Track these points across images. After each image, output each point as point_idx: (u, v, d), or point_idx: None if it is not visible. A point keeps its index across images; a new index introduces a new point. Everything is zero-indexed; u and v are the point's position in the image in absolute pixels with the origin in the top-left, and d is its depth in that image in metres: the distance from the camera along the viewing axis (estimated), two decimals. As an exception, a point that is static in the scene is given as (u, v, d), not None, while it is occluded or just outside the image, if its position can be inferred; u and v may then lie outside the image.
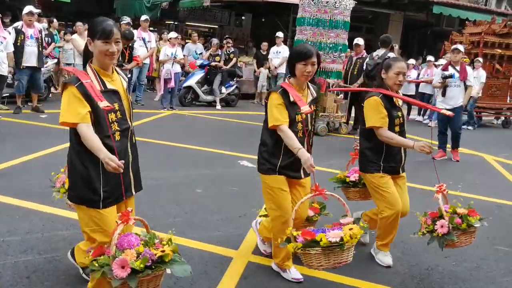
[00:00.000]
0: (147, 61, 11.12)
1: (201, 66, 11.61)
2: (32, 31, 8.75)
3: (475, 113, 12.15)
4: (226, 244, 3.92)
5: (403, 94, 12.61)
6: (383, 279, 3.56)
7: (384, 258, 3.79)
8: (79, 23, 10.98)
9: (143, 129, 8.12)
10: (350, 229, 2.81)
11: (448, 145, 8.07)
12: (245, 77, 13.25)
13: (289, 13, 13.91)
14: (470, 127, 11.82)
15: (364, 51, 9.56)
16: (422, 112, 12.82)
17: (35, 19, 8.94)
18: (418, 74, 12.79)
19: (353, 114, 9.87)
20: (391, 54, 8.29)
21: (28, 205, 4.40)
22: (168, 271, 2.34)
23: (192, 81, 11.37)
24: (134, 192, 2.83)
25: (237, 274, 3.45)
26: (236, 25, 18.64)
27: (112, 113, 2.59)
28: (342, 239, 2.75)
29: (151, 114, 9.78)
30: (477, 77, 11.49)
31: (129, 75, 8.83)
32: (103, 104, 2.51)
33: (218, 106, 11.65)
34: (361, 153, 3.85)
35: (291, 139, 3.15)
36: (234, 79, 12.22)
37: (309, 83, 3.44)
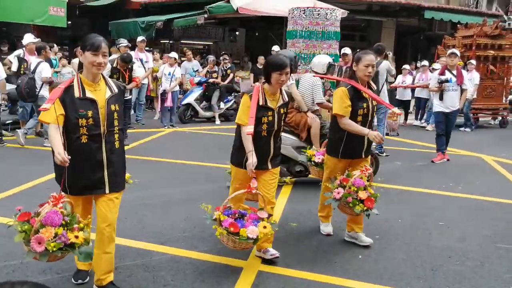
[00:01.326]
0: (146, 81, 11.26)
1: (199, 83, 11.77)
2: (34, 58, 8.89)
3: (471, 114, 12.28)
4: (235, 255, 4.01)
5: (400, 100, 12.69)
6: (389, 281, 3.66)
7: (326, 228, 4.56)
8: (79, 48, 11.17)
9: (145, 148, 8.25)
10: (264, 227, 3.38)
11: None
12: (242, 91, 13.39)
13: (281, 26, 14.13)
14: (467, 129, 11.94)
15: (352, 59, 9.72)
16: (419, 117, 12.95)
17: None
18: (413, 79, 12.93)
19: None
20: (385, 62, 8.44)
21: (40, 228, 4.50)
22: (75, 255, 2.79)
23: (191, 98, 11.52)
24: (108, 191, 3.15)
25: (248, 283, 3.56)
26: (230, 40, 18.85)
27: (83, 119, 2.98)
28: (257, 237, 3.32)
29: (152, 133, 9.91)
30: (471, 79, 11.65)
31: (130, 96, 8.96)
32: (44, 106, 2.86)
33: (218, 121, 11.80)
34: (328, 139, 4.48)
35: (246, 140, 3.58)
36: (232, 94, 12.39)
37: (282, 89, 3.82)
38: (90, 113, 2.99)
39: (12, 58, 8.75)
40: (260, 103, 3.66)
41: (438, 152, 8.09)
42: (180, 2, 15.80)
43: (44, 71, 8.08)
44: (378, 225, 4.81)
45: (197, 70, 12.74)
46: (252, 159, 3.53)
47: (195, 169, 7.15)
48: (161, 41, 17.30)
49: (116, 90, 3.17)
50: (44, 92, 8.13)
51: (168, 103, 10.54)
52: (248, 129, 3.51)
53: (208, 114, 11.87)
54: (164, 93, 10.55)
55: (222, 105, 12.05)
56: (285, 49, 9.14)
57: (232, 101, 12.36)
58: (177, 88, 11.15)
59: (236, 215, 3.52)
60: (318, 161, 4.82)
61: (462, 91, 7.90)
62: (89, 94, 3.02)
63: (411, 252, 4.21)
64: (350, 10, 14.54)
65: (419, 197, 6.00)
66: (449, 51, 8.18)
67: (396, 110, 4.39)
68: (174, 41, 17.43)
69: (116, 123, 3.12)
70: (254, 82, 13.01)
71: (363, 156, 4.24)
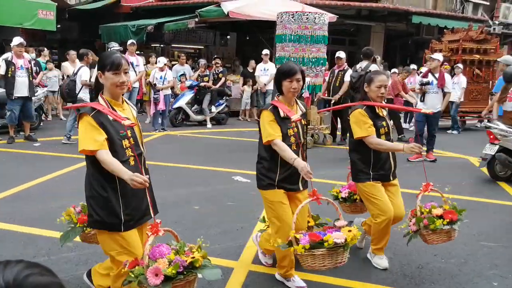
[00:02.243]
0: (136, 84, 11.26)
1: (191, 87, 11.84)
2: (22, 61, 8.89)
3: (458, 117, 12.46)
4: (226, 256, 4.10)
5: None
6: (377, 279, 3.76)
7: (380, 261, 3.99)
8: (72, 52, 11.18)
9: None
10: (349, 231, 2.98)
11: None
12: (234, 95, 13.51)
13: (272, 30, 14.20)
14: (454, 132, 12.12)
15: (346, 63, 9.86)
16: (408, 120, 13.10)
17: (24, 49, 9.08)
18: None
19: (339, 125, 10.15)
20: (373, 66, 8.56)
21: (31, 231, 4.55)
22: (200, 275, 2.51)
23: (182, 102, 11.58)
24: (152, 215, 2.88)
25: (239, 283, 3.64)
26: (221, 44, 18.92)
27: (126, 139, 2.76)
28: (346, 240, 2.93)
29: (143, 136, 9.93)
30: (458, 83, 11.84)
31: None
32: (127, 122, 2.68)
33: (209, 125, 11.87)
34: (352, 164, 4.05)
35: (286, 151, 3.28)
36: (224, 98, 12.48)
37: (297, 99, 3.63)
38: (129, 132, 2.80)
39: (0, 61, 8.75)
40: (282, 114, 3.43)
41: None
42: (170, 6, 15.84)
43: (83, 74, 8.70)
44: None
45: (183, 74, 12.78)
46: (304, 162, 3.19)
47: (186, 172, 7.21)
48: (152, 45, 17.31)
49: (135, 109, 3.07)
50: (83, 94, 8.73)
51: (161, 106, 10.61)
52: (294, 117, 3.36)
53: (199, 117, 11.95)
54: (157, 97, 10.61)
55: (213, 108, 12.13)
56: (275, 53, 9.20)
57: (224, 105, 12.46)
58: (169, 91, 11.22)
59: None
60: (345, 196, 4.35)
61: (445, 94, 8.14)
62: (121, 114, 2.80)
63: (398, 251, 4.32)
64: (339, 15, 14.72)
65: (407, 198, 6.06)
66: (430, 56, 8.54)
67: (426, 110, 4.48)
68: (165, 44, 17.46)
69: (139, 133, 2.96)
70: (243, 85, 13.14)
71: (391, 179, 4.00)
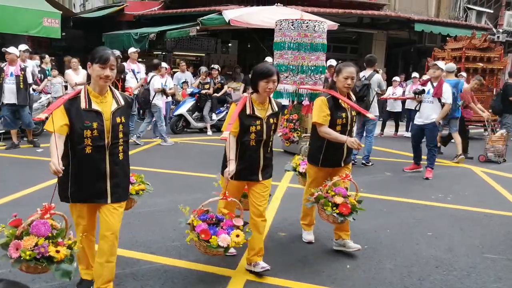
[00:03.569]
0: (137, 92, 11.28)
1: (191, 94, 11.83)
2: (13, 69, 8.83)
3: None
4: (224, 264, 4.04)
5: (390, 112, 12.71)
6: (377, 291, 3.69)
7: (307, 236, 4.64)
8: (74, 59, 11.21)
9: (136, 158, 8.24)
10: (237, 235, 3.34)
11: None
12: (231, 101, 13.51)
13: (273, 38, 14.19)
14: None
15: None
16: (410, 129, 13.02)
17: (17, 57, 9.02)
18: (404, 91, 13.05)
19: None
20: (377, 76, 8.50)
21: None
22: (51, 269, 2.69)
23: (183, 109, 11.57)
24: (110, 201, 3.18)
25: (236, 293, 3.58)
26: (222, 52, 18.96)
27: (88, 130, 3.01)
28: (228, 245, 3.29)
29: (144, 143, 9.92)
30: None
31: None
32: (40, 115, 2.89)
33: (209, 132, 11.84)
34: (309, 146, 4.51)
35: (229, 149, 3.63)
36: (224, 105, 12.46)
37: (271, 98, 3.87)
38: (95, 124, 3.02)
39: None
40: (248, 112, 3.70)
41: (413, 162, 8.17)
42: (173, 15, 15.90)
43: (155, 83, 9.85)
44: (366, 235, 4.85)
45: (185, 82, 12.80)
46: (229, 167, 3.54)
47: (186, 179, 7.17)
48: (154, 53, 17.36)
49: (123, 103, 3.18)
50: (156, 101, 9.90)
51: (163, 112, 10.59)
52: (223, 134, 3.53)
53: (200, 125, 11.92)
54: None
55: (214, 116, 12.11)
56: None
57: (224, 112, 12.42)
58: (170, 99, 11.20)
59: (213, 220, 3.47)
60: (302, 171, 4.81)
61: (443, 105, 7.65)
62: (95, 106, 3.05)
63: (399, 262, 4.25)
64: (341, 22, 14.72)
65: (408, 208, 6.05)
66: (432, 62, 8.20)
67: (370, 115, 4.44)
68: (167, 52, 17.51)
69: (121, 135, 3.14)
70: (243, 92, 13.13)
71: (342, 164, 4.31)
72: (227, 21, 12.88)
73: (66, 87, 11.88)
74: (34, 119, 2.94)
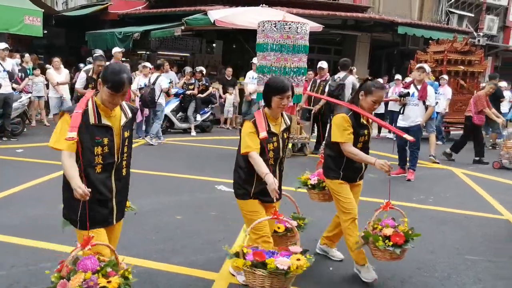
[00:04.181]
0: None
1: (176, 95, 11.78)
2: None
3: (443, 128, 12.56)
4: (207, 267, 4.03)
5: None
6: (360, 293, 3.72)
7: (336, 253, 4.34)
8: (56, 58, 11.07)
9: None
10: (298, 259, 2.91)
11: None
12: (219, 103, 13.52)
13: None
14: (439, 142, 12.18)
15: (328, 74, 9.89)
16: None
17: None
18: (387, 93, 13.15)
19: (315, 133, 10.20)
20: (351, 77, 8.82)
21: (11, 240, 4.44)
22: None
23: (167, 110, 11.49)
24: (115, 222, 2.98)
25: (219, 296, 3.57)
26: (207, 52, 18.90)
27: (99, 146, 2.76)
28: (289, 268, 2.85)
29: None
30: (443, 93, 11.95)
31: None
32: (70, 135, 2.58)
33: (193, 133, 11.80)
34: (325, 160, 4.13)
35: (260, 166, 3.27)
36: (209, 106, 12.44)
37: (283, 112, 3.58)
38: (106, 140, 2.79)
39: None
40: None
41: (398, 166, 8.13)
42: (157, 14, 15.81)
43: (162, 83, 10.21)
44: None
45: (170, 82, 12.75)
46: (273, 179, 3.17)
47: (169, 180, 7.13)
48: (138, 52, 17.25)
49: (130, 115, 2.98)
50: (161, 100, 10.26)
51: (146, 112, 10.55)
52: (262, 135, 3.29)
53: (184, 125, 11.88)
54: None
55: (198, 117, 12.08)
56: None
57: (209, 113, 12.43)
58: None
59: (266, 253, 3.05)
60: (314, 183, 4.44)
61: (427, 107, 7.77)
62: (104, 121, 2.80)
63: (381, 264, 4.26)
64: (325, 24, 14.78)
65: (391, 210, 6.09)
66: (418, 65, 8.26)
67: (407, 137, 4.14)
68: (151, 52, 17.40)
69: (125, 149, 2.95)
70: (223, 93, 13.20)
71: (358, 180, 4.08)
72: (212, 21, 12.85)
73: (47, 86, 11.75)
74: (68, 139, 2.55)
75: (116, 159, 2.87)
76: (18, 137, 9.90)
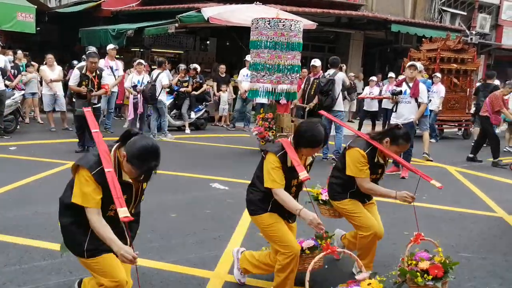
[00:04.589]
0: (115, 89, 11.14)
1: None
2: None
3: (436, 126, 12.61)
4: (202, 266, 4.02)
5: (367, 111, 12.83)
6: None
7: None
8: (49, 56, 10.98)
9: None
10: (369, 284, 2.76)
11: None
12: (213, 100, 13.50)
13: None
14: (432, 140, 12.22)
15: (321, 71, 9.91)
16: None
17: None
18: (380, 91, 13.19)
19: None
20: (340, 74, 8.86)
21: (3, 238, 4.40)
22: None
23: (160, 107, 11.45)
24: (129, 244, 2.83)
25: (215, 294, 3.57)
26: (201, 49, 18.85)
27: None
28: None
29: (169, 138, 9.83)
30: (437, 91, 11.99)
31: (99, 104, 8.86)
32: (123, 214, 2.44)
33: (187, 130, 11.77)
34: (331, 182, 3.98)
35: (289, 202, 3.17)
36: (203, 103, 12.41)
37: None
38: (125, 197, 2.63)
39: None
40: (289, 164, 3.25)
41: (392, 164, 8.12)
42: (151, 11, 15.73)
43: (163, 79, 10.38)
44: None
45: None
46: (311, 214, 3.09)
47: (163, 179, 7.09)
48: (132, 49, 17.16)
49: None
50: (162, 97, 10.41)
51: (140, 109, 10.52)
52: (302, 175, 3.08)
53: (178, 123, 11.85)
54: (136, 101, 10.50)
55: (192, 114, 12.05)
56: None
57: (203, 111, 12.41)
58: (147, 96, 11.10)
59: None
60: (325, 198, 4.28)
61: (419, 105, 7.81)
62: (125, 177, 2.72)
63: (376, 262, 4.27)
64: (319, 22, 14.79)
65: (384, 207, 6.09)
66: (409, 63, 8.29)
67: (435, 183, 4.00)
68: (145, 49, 17.33)
69: (143, 198, 2.93)
70: (217, 91, 13.20)
71: (366, 201, 3.99)
72: (206, 18, 12.80)
73: (41, 83, 11.67)
74: (124, 219, 2.42)
75: (130, 209, 2.77)
76: (11, 135, 9.82)
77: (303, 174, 3.09)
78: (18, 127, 10.54)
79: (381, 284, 2.84)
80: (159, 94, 10.32)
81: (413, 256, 3.50)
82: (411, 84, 7.83)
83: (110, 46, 11.25)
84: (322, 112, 4.95)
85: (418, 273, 3.31)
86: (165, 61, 10.91)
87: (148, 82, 10.35)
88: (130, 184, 2.73)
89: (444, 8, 21.65)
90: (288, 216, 3.42)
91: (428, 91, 9.49)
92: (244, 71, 12.49)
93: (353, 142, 3.85)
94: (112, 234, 2.56)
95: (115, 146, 2.73)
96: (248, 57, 12.31)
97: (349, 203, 3.84)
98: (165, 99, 10.63)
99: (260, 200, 3.38)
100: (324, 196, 4.27)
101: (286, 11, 12.91)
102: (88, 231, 2.71)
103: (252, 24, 8.56)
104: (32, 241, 4.35)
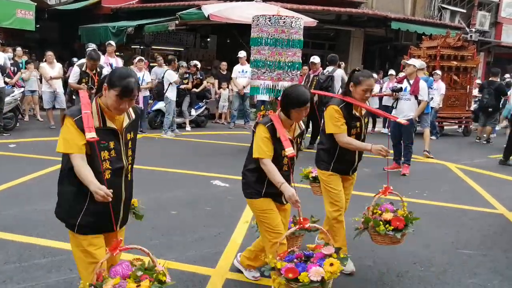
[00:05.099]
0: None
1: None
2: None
3: (437, 123, 12.60)
4: (203, 263, 4.01)
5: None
6: (356, 288, 3.72)
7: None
8: (49, 52, 10.96)
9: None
10: (331, 264, 2.79)
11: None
12: (213, 97, 13.48)
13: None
14: (433, 137, 12.20)
15: (321, 68, 9.89)
16: (387, 125, 13.18)
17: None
18: (381, 88, 13.19)
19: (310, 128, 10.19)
20: (339, 70, 8.95)
21: (3, 236, 4.39)
22: None
23: (161, 104, 11.42)
24: (118, 228, 2.80)
25: (216, 291, 3.56)
26: (201, 47, 18.84)
27: (105, 151, 2.61)
28: (323, 278, 2.73)
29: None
30: (437, 89, 11.97)
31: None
32: (89, 135, 2.46)
33: (188, 128, 11.76)
34: (317, 152, 4.15)
35: (273, 174, 3.21)
36: (204, 101, 12.39)
37: None
38: (112, 144, 2.62)
39: None
40: (278, 136, 3.28)
41: (393, 161, 8.13)
42: (151, 8, 15.70)
43: (169, 76, 10.52)
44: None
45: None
46: (288, 191, 3.13)
47: (164, 176, 7.10)
48: (132, 47, 17.13)
49: (134, 116, 2.81)
50: (168, 93, 10.55)
51: (140, 107, 10.52)
52: (289, 151, 3.18)
53: (178, 120, 11.82)
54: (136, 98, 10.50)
55: (193, 111, 12.04)
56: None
57: (203, 108, 12.39)
58: (147, 93, 11.09)
59: (302, 258, 2.96)
60: (315, 175, 4.47)
61: (419, 102, 7.82)
62: (109, 124, 2.64)
63: (377, 259, 4.29)
64: (319, 19, 14.76)
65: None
66: (403, 61, 8.31)
67: (401, 120, 4.16)
68: (145, 46, 17.30)
69: (130, 153, 2.79)
70: (218, 88, 13.19)
71: (350, 173, 4.07)
72: (207, 15, 12.79)
73: (40, 80, 11.65)
74: (89, 139, 2.45)
75: (124, 163, 2.73)
76: (10, 132, 9.81)
77: (289, 150, 3.20)
78: (17, 124, 10.52)
79: (342, 267, 2.85)
80: (166, 91, 10.49)
81: (378, 207, 3.71)
82: (412, 81, 7.83)
83: (107, 43, 11.19)
84: (315, 91, 5.22)
85: (381, 222, 3.55)
86: (175, 58, 11.07)
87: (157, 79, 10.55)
88: (114, 130, 2.66)
89: (444, 5, 21.64)
90: (282, 198, 3.44)
91: (430, 88, 9.50)
92: (239, 68, 12.45)
93: (330, 101, 3.97)
94: (93, 177, 2.47)
95: (95, 97, 2.69)
96: (241, 54, 12.29)
97: (329, 176, 3.97)
98: (173, 96, 10.65)
99: (255, 182, 3.42)
100: (314, 173, 4.50)
101: (286, 8, 12.87)
102: (85, 203, 2.62)
103: (253, 21, 8.54)
104: (31, 238, 4.34)
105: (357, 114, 3.90)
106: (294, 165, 3.46)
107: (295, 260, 2.90)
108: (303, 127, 3.58)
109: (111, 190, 2.46)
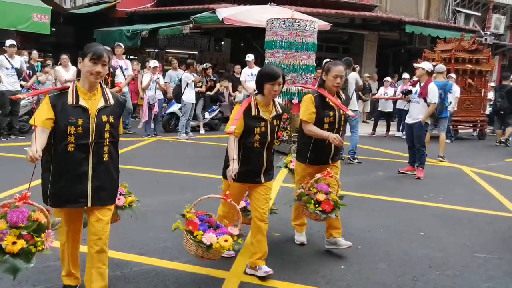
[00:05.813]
0: (126, 89, 11.05)
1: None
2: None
3: (451, 126, 12.50)
4: (217, 265, 4.00)
5: (382, 112, 12.84)
6: (371, 291, 3.70)
7: (299, 237, 4.63)
8: (64, 56, 11.07)
9: (128, 156, 8.19)
10: (226, 240, 3.20)
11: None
12: (227, 100, 13.51)
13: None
14: (448, 140, 12.07)
15: None
16: (401, 128, 13.11)
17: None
18: (395, 91, 13.13)
19: None
20: (353, 73, 8.87)
21: (20, 237, 4.43)
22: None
23: (175, 107, 11.50)
24: (90, 205, 3.04)
25: (230, 293, 3.56)
26: (215, 50, 18.90)
27: (72, 126, 2.90)
28: (211, 245, 3.16)
29: (135, 142, 9.87)
30: (452, 92, 11.87)
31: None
32: (18, 94, 2.85)
33: (202, 131, 11.80)
34: (297, 142, 4.57)
35: (229, 150, 3.63)
36: (217, 104, 12.43)
37: (275, 100, 3.83)
38: (80, 121, 2.91)
39: None
40: (253, 113, 3.67)
41: (408, 163, 8.19)
42: (165, 12, 15.82)
43: (188, 78, 10.61)
44: (360, 235, 4.86)
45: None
46: (232, 166, 3.53)
47: (177, 179, 7.13)
48: (147, 50, 17.26)
49: (112, 102, 3.07)
50: (186, 96, 10.63)
51: (156, 109, 10.59)
52: (230, 128, 3.53)
53: (192, 123, 11.86)
54: (153, 102, 10.58)
55: (206, 114, 12.09)
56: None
57: (217, 111, 12.43)
58: (161, 96, 11.16)
59: (212, 224, 3.40)
60: (292, 168, 4.81)
61: (428, 105, 7.70)
62: (82, 102, 2.95)
63: (393, 262, 4.26)
64: (333, 23, 14.74)
65: (400, 207, 6.08)
66: (415, 65, 8.28)
67: (350, 113, 4.32)
68: (159, 50, 17.42)
69: (107, 135, 3.00)
70: (233, 91, 13.20)
71: (330, 162, 4.30)
72: (221, 19, 12.84)
73: (56, 84, 11.77)
74: (12, 98, 3.05)
75: (90, 141, 2.95)
76: (25, 135, 9.92)
77: (232, 127, 3.57)
78: (33, 127, 10.60)
79: (232, 247, 3.28)
80: (183, 93, 10.59)
81: (316, 184, 4.05)
82: (423, 84, 7.83)
83: (116, 44, 11.18)
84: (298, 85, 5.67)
85: (312, 201, 3.93)
86: (193, 62, 11.25)
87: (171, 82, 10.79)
88: (85, 108, 2.95)
89: (458, 8, 21.46)
90: (253, 178, 3.81)
91: (449, 92, 9.46)
92: (247, 71, 12.37)
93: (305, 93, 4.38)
94: (38, 146, 2.74)
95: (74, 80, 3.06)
96: (248, 57, 12.24)
97: (301, 169, 4.37)
98: (191, 99, 10.74)
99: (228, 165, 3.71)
100: (292, 165, 4.81)
101: (300, 12, 12.91)
102: (50, 175, 3.01)
103: (267, 24, 8.57)
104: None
105: (331, 103, 4.17)
106: (268, 144, 3.78)
107: (206, 220, 3.40)
108: (280, 110, 3.85)
109: (40, 155, 2.70)
